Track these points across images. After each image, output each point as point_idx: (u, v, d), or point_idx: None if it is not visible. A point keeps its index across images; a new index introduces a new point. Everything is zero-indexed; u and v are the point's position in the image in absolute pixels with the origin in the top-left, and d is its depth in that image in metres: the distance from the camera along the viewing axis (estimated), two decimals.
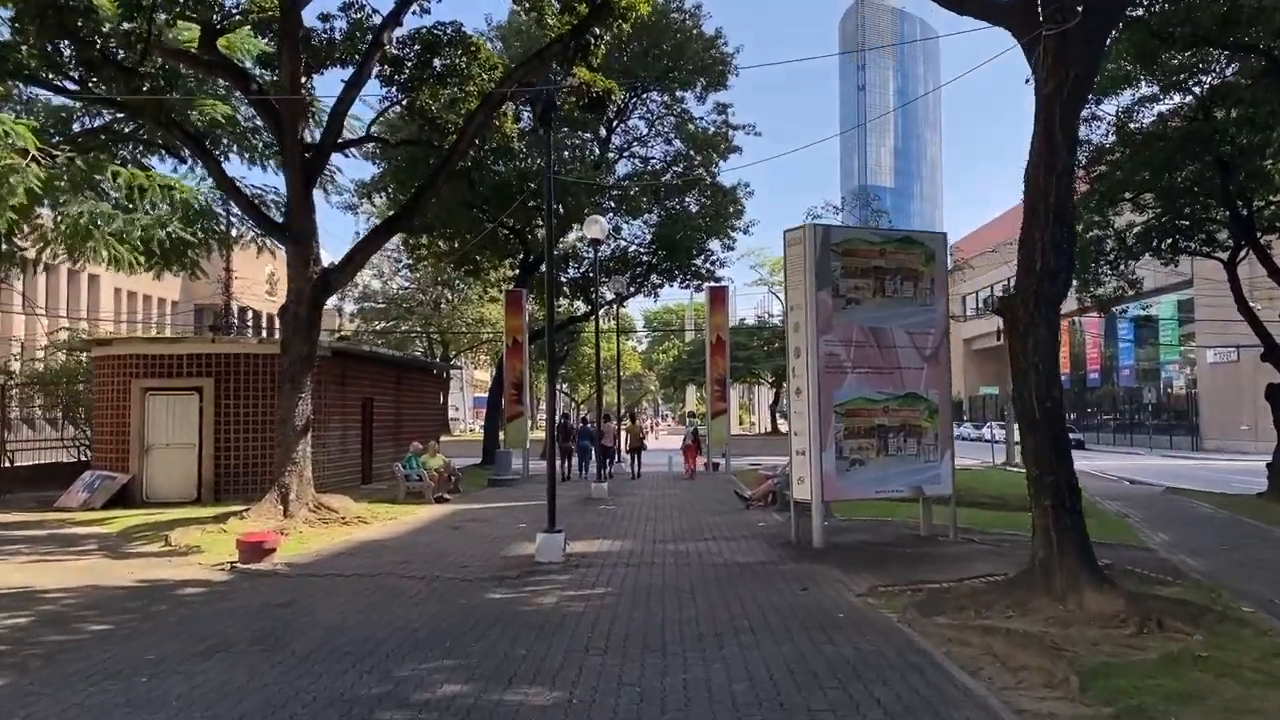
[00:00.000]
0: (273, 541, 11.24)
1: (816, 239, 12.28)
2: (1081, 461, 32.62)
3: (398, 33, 17.88)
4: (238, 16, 15.79)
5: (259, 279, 65.40)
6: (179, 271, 24.99)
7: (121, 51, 13.59)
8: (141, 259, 19.38)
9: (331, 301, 64.46)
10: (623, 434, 33.27)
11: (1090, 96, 21.68)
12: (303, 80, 17.17)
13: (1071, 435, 43.47)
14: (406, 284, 60.79)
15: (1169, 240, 22.82)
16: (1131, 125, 21.09)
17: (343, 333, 59.31)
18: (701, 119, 32.21)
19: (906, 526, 14.20)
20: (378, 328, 62.10)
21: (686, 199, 32.60)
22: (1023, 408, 7.90)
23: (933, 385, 12.90)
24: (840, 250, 12.44)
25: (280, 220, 16.06)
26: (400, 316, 60.33)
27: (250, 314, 65.59)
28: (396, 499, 19.24)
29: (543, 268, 33.31)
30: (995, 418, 53.62)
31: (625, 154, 32.21)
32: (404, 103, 18.16)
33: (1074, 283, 25.76)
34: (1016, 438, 35.83)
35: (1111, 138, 21.45)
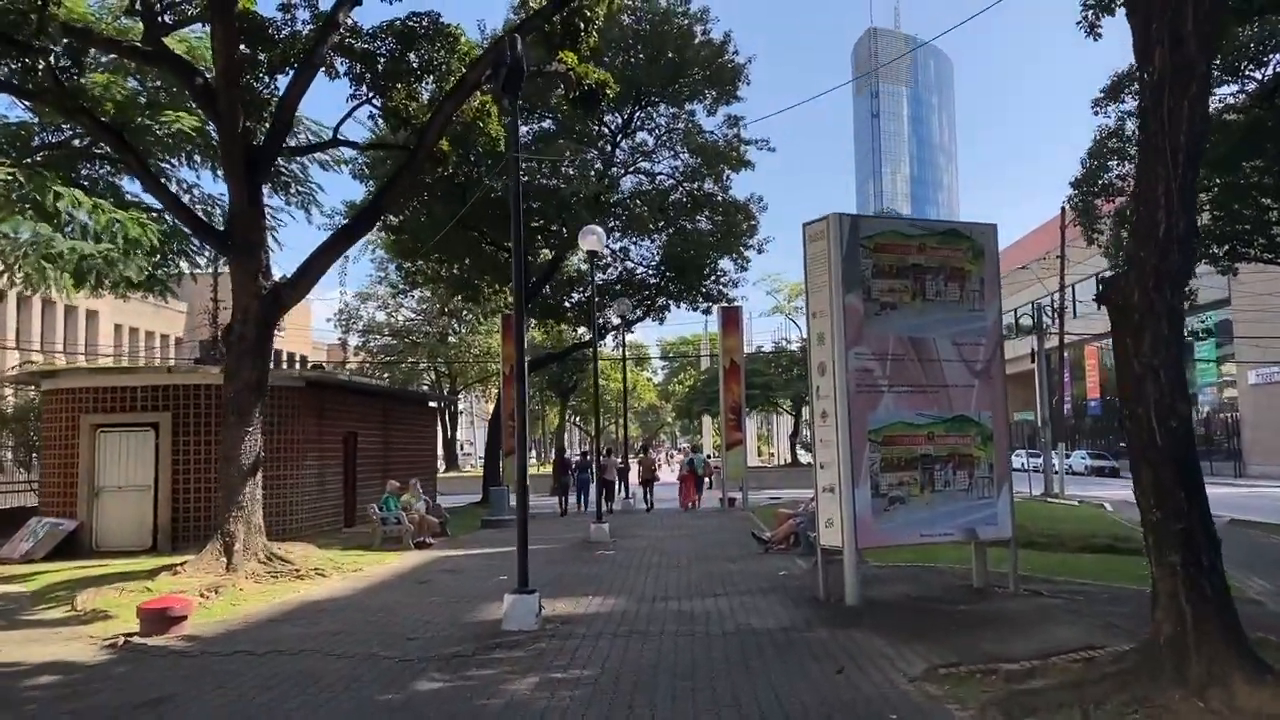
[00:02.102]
0: (182, 608, 9.18)
1: (843, 232, 10.24)
2: (1120, 490, 30.03)
3: (369, 24, 16.15)
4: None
5: None
6: (145, 295, 23.33)
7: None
8: (89, 282, 17.57)
9: (335, 335, 63.04)
10: (635, 466, 31.29)
11: (1134, 88, 19.69)
12: (269, 81, 15.43)
13: (1105, 462, 40.79)
14: (413, 315, 59.09)
15: (1226, 246, 20.67)
16: None
17: (317, 364, 57.62)
18: (712, 133, 30.36)
19: (955, 575, 12.00)
20: (384, 360, 60.38)
21: (697, 217, 30.65)
22: (1136, 428, 5.76)
23: (985, 406, 10.78)
24: (871, 245, 10.39)
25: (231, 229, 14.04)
26: (406, 349, 58.54)
27: None
28: (372, 545, 17.16)
29: (546, 289, 31.45)
30: (1025, 445, 51.10)
31: (630, 170, 30.30)
32: (375, 101, 16.31)
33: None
34: (1057, 466, 33.46)
35: None
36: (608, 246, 31.88)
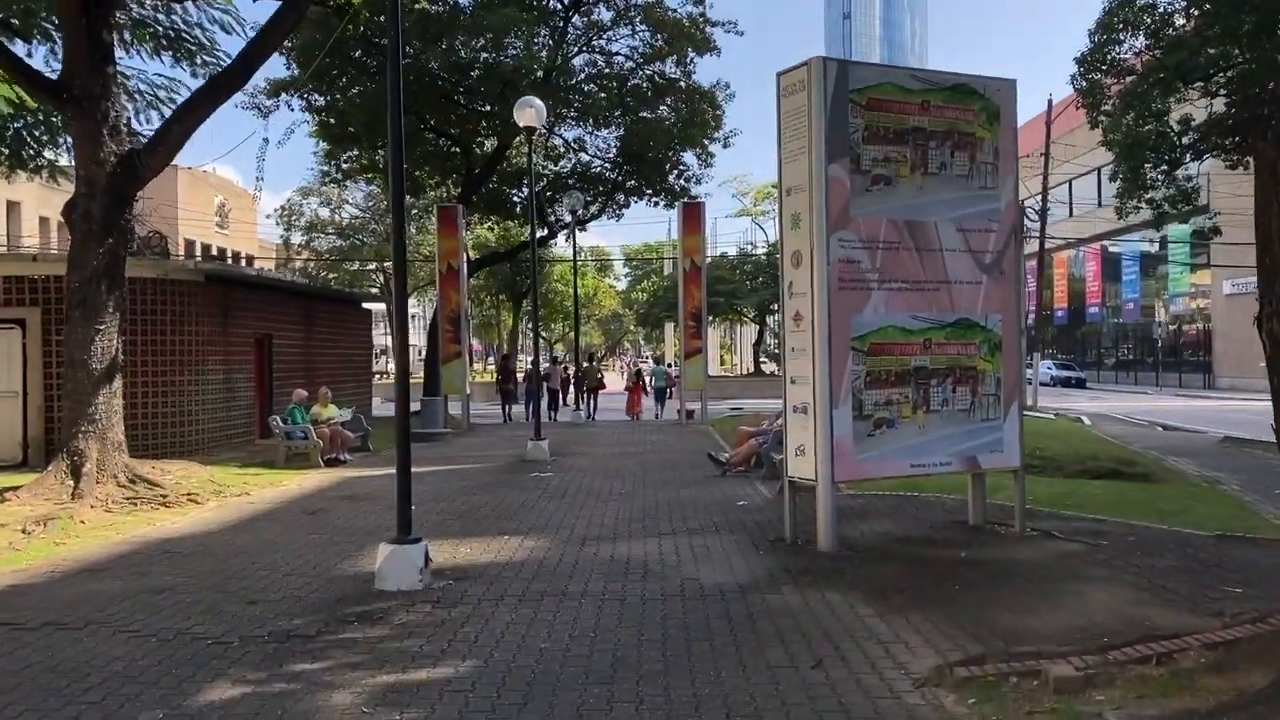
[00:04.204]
0: None
1: (827, 82, 7.98)
2: (1090, 402, 28.40)
3: None
4: None
5: (208, 210, 60.42)
6: (31, 177, 20.60)
7: None
8: None
9: (278, 233, 59.75)
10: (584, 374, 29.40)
11: None
12: None
13: (1071, 373, 39.41)
14: (359, 212, 55.86)
15: (1237, 137, 18.55)
16: None
17: (213, 254, 54.44)
18: (674, 10, 27.45)
19: (944, 508, 10.15)
20: (329, 260, 57.34)
21: (659, 106, 27.92)
22: None
23: (995, 308, 8.74)
24: (863, 102, 8.16)
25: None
26: (351, 249, 55.48)
27: (199, 247, 60.62)
28: (276, 462, 15.05)
29: (493, 181, 28.79)
30: None
31: (584, 48, 27.43)
32: None
33: (1115, 183, 21.41)
34: (1031, 377, 31.86)
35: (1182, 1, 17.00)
36: (558, 134, 29.29)
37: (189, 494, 11.19)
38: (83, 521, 9.66)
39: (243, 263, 56.44)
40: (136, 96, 18.35)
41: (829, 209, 7.93)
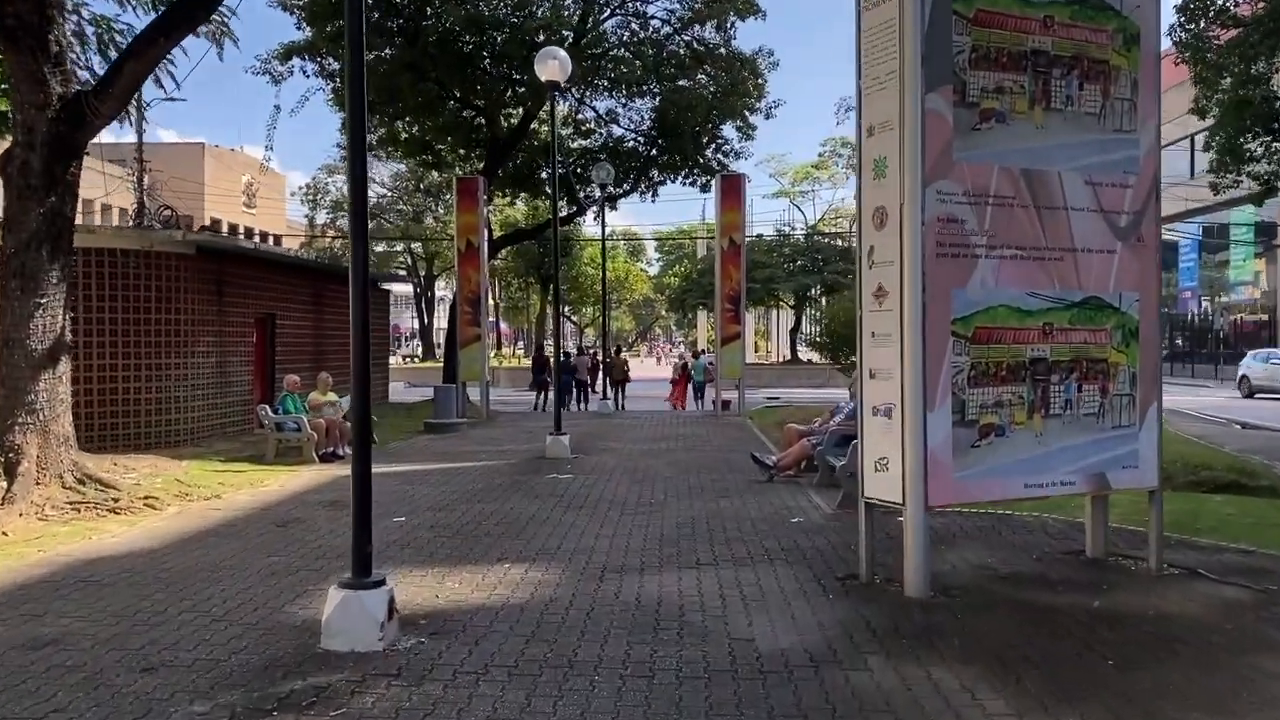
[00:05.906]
0: None
1: None
2: None
3: None
4: None
5: (236, 189, 59.34)
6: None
7: None
8: None
9: (301, 211, 58.48)
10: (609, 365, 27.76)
11: None
12: None
13: None
14: (385, 191, 54.42)
15: None
16: None
17: (211, 229, 52.91)
18: None
19: (1047, 532, 8.29)
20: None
21: (697, 74, 25.99)
22: None
23: (1130, 284, 6.86)
24: (970, 15, 6.30)
25: None
26: (376, 229, 54.04)
27: (225, 226, 59.52)
28: (265, 456, 13.45)
29: (518, 156, 27.05)
30: None
31: (618, 9, 25.49)
32: None
33: (1210, 154, 19.29)
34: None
35: None
36: (589, 105, 27.52)
37: (146, 498, 9.58)
38: (5, 533, 8.06)
39: (270, 242, 55.19)
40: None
41: (925, 151, 6.08)
